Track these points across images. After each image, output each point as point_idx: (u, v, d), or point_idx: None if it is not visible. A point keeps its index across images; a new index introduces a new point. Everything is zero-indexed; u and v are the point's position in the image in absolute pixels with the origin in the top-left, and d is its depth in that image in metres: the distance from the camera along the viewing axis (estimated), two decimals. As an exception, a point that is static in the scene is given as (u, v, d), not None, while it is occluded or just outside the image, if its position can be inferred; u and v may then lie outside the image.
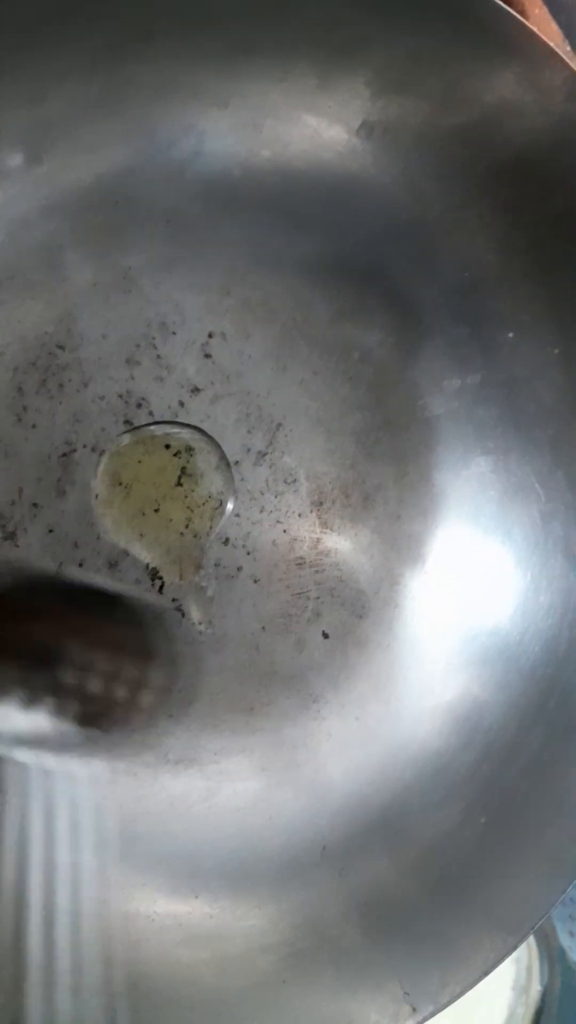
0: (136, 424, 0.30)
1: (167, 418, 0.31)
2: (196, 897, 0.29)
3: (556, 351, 0.32)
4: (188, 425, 0.31)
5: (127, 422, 0.30)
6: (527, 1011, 0.42)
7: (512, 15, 0.23)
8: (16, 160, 0.25)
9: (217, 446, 0.31)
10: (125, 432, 0.30)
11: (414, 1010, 0.28)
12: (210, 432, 0.31)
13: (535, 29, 0.23)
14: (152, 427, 0.30)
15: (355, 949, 0.29)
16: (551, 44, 0.24)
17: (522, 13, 0.40)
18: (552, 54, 0.24)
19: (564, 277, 0.30)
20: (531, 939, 0.41)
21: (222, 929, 0.29)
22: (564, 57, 0.24)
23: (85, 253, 0.28)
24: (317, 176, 0.29)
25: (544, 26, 0.41)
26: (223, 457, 0.32)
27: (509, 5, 0.41)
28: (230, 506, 0.32)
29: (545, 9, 0.41)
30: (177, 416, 0.31)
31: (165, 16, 0.23)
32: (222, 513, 0.32)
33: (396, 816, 0.32)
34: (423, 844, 0.31)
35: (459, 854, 0.31)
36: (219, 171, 0.28)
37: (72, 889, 0.28)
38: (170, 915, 0.29)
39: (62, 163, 0.26)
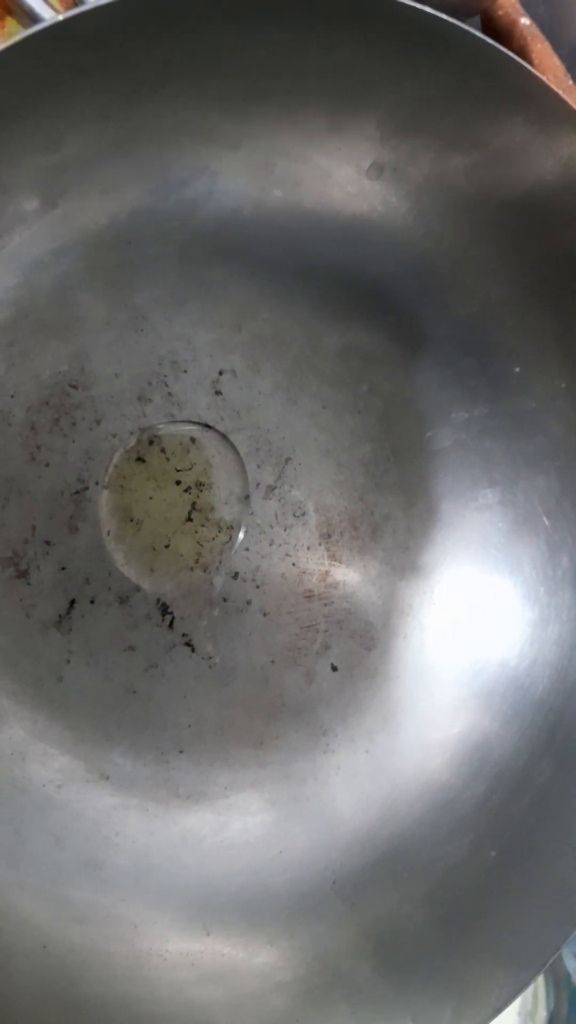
0: (147, 460, 0.30)
1: (178, 454, 0.31)
2: (208, 935, 0.29)
3: (563, 384, 0.32)
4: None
5: (139, 459, 0.30)
6: (534, 1036, 0.41)
7: (519, 62, 0.24)
8: (32, 204, 0.25)
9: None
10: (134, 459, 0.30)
11: (427, 1048, 0.28)
12: (219, 468, 0.32)
13: (542, 76, 0.24)
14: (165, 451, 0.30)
15: (367, 985, 0.29)
16: (558, 91, 0.24)
17: (524, 48, 0.41)
18: (559, 100, 0.24)
19: (571, 313, 0.31)
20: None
21: (235, 967, 0.29)
22: (570, 103, 0.24)
23: (98, 292, 0.28)
24: (328, 215, 0.29)
25: (546, 60, 0.41)
26: (233, 491, 0.32)
27: (511, 39, 0.42)
28: (240, 539, 0.32)
29: (547, 44, 0.42)
30: (188, 452, 0.31)
31: (179, 64, 0.24)
32: (232, 547, 0.32)
33: (406, 849, 0.32)
34: (434, 877, 0.31)
35: (470, 887, 0.31)
36: (231, 211, 0.29)
37: (82, 926, 0.28)
38: (183, 953, 0.28)
39: (76, 206, 0.26)
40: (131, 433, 0.30)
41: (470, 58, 0.24)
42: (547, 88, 0.24)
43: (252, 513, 0.32)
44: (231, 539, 0.32)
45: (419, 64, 0.24)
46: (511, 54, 0.23)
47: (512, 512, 0.34)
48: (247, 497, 0.32)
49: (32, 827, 0.28)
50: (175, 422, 0.30)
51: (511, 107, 0.25)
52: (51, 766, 0.29)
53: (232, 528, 0.32)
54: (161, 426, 0.29)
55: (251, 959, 0.29)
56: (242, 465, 0.32)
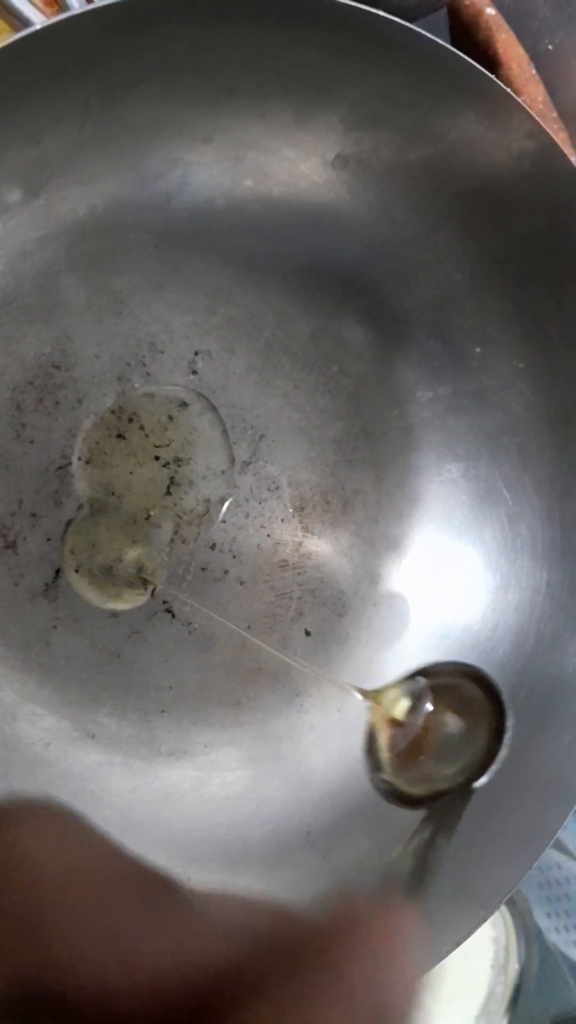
0: (127, 437, 0.32)
1: (157, 431, 0.32)
2: (189, 880, 0.31)
3: (521, 364, 0.34)
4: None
5: (119, 436, 0.32)
6: (506, 989, 0.43)
7: (470, 63, 0.25)
8: (15, 196, 0.27)
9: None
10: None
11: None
12: (196, 444, 0.33)
13: (493, 76, 0.25)
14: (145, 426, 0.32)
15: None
16: (508, 89, 0.26)
17: (489, 38, 0.42)
18: (508, 98, 0.26)
19: (527, 295, 0.33)
20: (509, 919, 0.43)
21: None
22: (520, 101, 0.26)
23: (80, 278, 0.30)
24: (296, 204, 0.31)
25: (511, 50, 0.43)
26: (210, 466, 0.33)
27: (476, 29, 0.43)
28: (219, 512, 0.34)
29: (512, 34, 0.43)
30: (166, 429, 0.33)
31: (154, 64, 0.25)
32: (209, 520, 0.34)
33: (375, 801, 0.34)
34: (401, 827, 0.33)
35: (435, 836, 0.33)
36: (204, 200, 0.30)
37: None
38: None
39: (57, 196, 0.28)
40: (111, 411, 0.31)
41: (425, 58, 0.26)
42: (497, 86, 0.26)
43: (228, 487, 0.34)
44: (208, 512, 0.34)
45: (378, 64, 0.26)
46: (462, 55, 0.25)
47: (475, 485, 0.36)
48: (223, 472, 0.34)
49: (22, 783, 0.30)
50: (154, 400, 0.32)
51: (464, 104, 0.27)
52: (40, 726, 0.31)
53: (209, 501, 0.34)
54: (140, 397, 0.31)
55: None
56: (219, 441, 0.34)
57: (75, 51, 0.23)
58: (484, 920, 0.30)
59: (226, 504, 0.34)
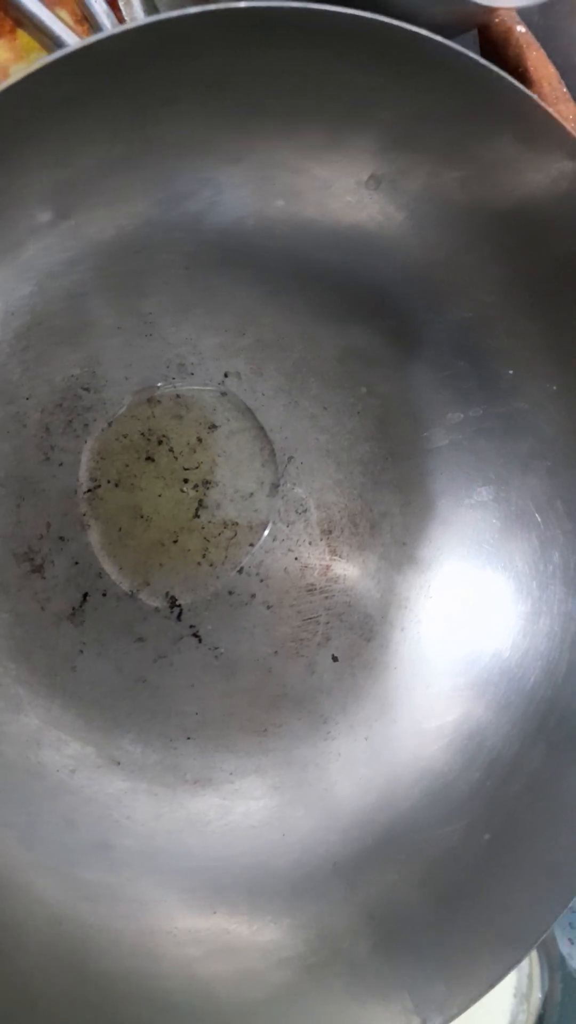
0: (156, 459, 0.32)
1: (186, 454, 0.32)
2: (214, 913, 0.31)
3: (553, 387, 0.33)
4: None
5: (148, 458, 0.31)
6: (529, 1018, 0.42)
7: (509, 80, 0.25)
8: (45, 217, 0.26)
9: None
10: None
11: (424, 1022, 0.29)
12: (224, 467, 0.33)
13: (538, 84, 0.25)
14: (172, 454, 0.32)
15: (365, 962, 0.30)
16: (547, 108, 0.25)
17: (519, 56, 0.42)
18: (547, 117, 0.26)
19: (561, 318, 0.32)
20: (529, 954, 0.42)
21: (239, 944, 0.30)
22: (559, 120, 0.25)
23: (108, 300, 0.29)
24: (327, 224, 0.31)
25: (542, 68, 0.42)
26: (238, 489, 0.33)
27: (507, 47, 0.43)
28: (246, 536, 0.34)
29: (543, 52, 0.43)
30: (195, 452, 0.32)
31: (186, 85, 0.25)
32: (237, 543, 0.33)
33: (403, 832, 0.33)
34: (430, 859, 0.32)
35: (464, 869, 0.32)
36: (234, 221, 0.30)
37: (93, 905, 0.29)
38: (189, 931, 0.30)
39: (87, 217, 0.28)
40: (140, 433, 0.31)
41: (462, 76, 0.25)
42: (536, 105, 0.25)
43: (256, 510, 0.34)
44: (236, 535, 0.33)
45: (414, 82, 0.26)
46: (502, 72, 0.24)
47: (505, 509, 0.35)
48: (252, 494, 0.33)
49: (46, 810, 0.30)
50: (183, 422, 0.32)
51: (501, 124, 0.26)
52: (64, 752, 0.31)
53: (237, 524, 0.33)
54: (169, 420, 0.31)
55: (255, 936, 0.30)
56: (247, 464, 0.33)
57: (106, 72, 0.23)
58: (518, 961, 0.29)
59: (267, 530, 0.33)
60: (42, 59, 0.20)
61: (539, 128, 0.26)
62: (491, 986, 0.29)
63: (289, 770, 0.34)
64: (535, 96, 0.25)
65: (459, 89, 0.26)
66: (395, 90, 0.26)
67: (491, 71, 0.25)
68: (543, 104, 0.25)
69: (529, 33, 0.42)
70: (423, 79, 0.26)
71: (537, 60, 0.42)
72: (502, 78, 0.25)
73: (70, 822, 0.30)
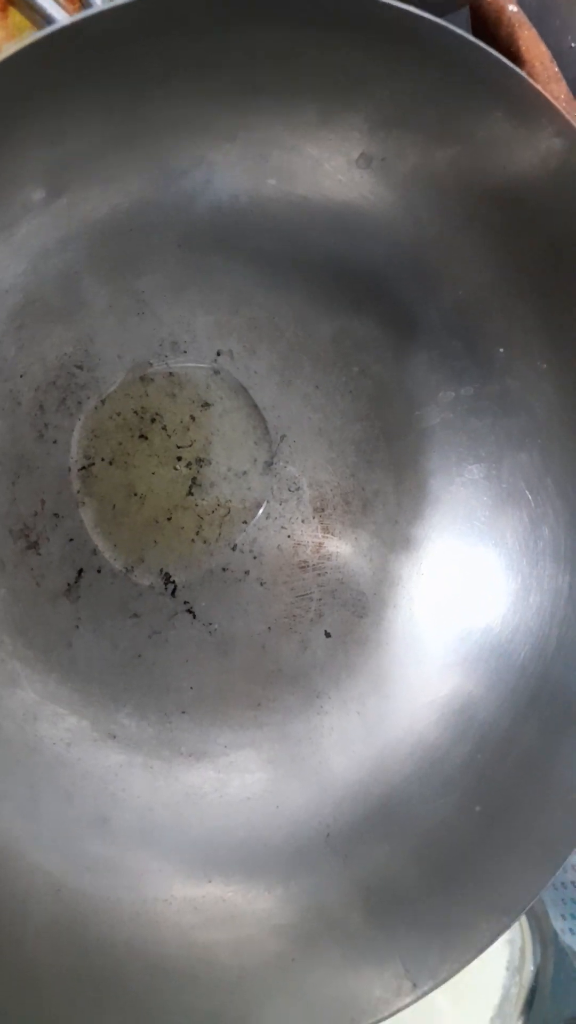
0: (150, 438, 0.32)
1: (179, 432, 0.32)
2: (210, 882, 0.31)
3: (544, 365, 0.34)
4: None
5: (142, 436, 0.32)
6: (521, 991, 0.42)
7: (501, 60, 0.25)
8: (38, 195, 0.26)
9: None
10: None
11: (415, 986, 0.30)
12: (218, 445, 0.33)
13: (529, 63, 0.25)
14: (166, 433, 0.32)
15: (359, 930, 0.31)
16: (537, 86, 0.25)
17: (511, 35, 0.42)
18: (537, 95, 0.26)
19: (552, 296, 0.32)
20: (525, 922, 0.43)
21: (235, 912, 0.31)
22: (549, 98, 0.26)
23: (102, 279, 0.30)
24: (319, 203, 0.31)
25: (533, 47, 0.42)
26: (231, 467, 0.33)
27: (499, 26, 0.43)
28: (239, 513, 0.34)
29: (534, 31, 0.43)
30: (188, 430, 0.32)
31: (180, 62, 0.25)
32: (231, 521, 0.34)
33: (396, 805, 0.34)
34: (422, 831, 0.33)
35: (456, 840, 0.33)
36: (227, 199, 0.30)
37: (93, 875, 0.30)
38: (186, 899, 0.30)
39: (80, 196, 0.28)
40: (134, 412, 0.31)
41: (453, 55, 0.25)
42: (526, 83, 0.25)
43: (250, 488, 0.34)
44: (229, 513, 0.34)
45: (405, 61, 0.26)
46: (492, 51, 0.25)
47: (496, 487, 0.36)
48: (245, 473, 0.34)
49: (44, 783, 0.30)
50: (176, 401, 0.32)
51: (492, 102, 0.26)
52: (61, 726, 0.31)
53: (230, 502, 0.34)
54: (163, 398, 0.31)
55: (250, 905, 0.31)
56: (241, 442, 0.33)
57: (99, 49, 0.23)
58: (508, 927, 0.30)
59: (260, 508, 0.34)
60: (32, 35, 0.20)
61: (529, 106, 0.26)
62: (481, 951, 0.30)
63: (283, 744, 0.34)
64: (525, 74, 0.25)
65: (450, 68, 0.26)
66: (386, 68, 0.26)
67: (481, 49, 0.25)
68: (533, 82, 0.26)
69: (521, 12, 0.42)
70: (414, 58, 0.26)
71: (529, 40, 0.42)
72: (492, 56, 0.25)
73: (68, 795, 0.31)
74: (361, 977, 0.30)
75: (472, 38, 0.25)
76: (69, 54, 0.23)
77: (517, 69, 0.25)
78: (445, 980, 0.30)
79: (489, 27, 0.41)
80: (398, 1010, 0.29)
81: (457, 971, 0.30)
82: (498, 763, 0.34)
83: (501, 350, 0.34)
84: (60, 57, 0.23)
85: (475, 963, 0.31)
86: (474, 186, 0.30)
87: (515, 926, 0.43)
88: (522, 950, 0.43)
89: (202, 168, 0.29)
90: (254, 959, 0.30)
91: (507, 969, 0.43)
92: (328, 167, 0.30)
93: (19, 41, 0.30)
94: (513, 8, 0.42)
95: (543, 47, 0.42)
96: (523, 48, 0.42)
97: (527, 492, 0.35)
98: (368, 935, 0.31)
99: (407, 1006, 0.29)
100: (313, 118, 0.28)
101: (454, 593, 0.36)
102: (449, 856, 0.32)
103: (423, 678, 0.36)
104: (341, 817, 0.34)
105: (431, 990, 0.30)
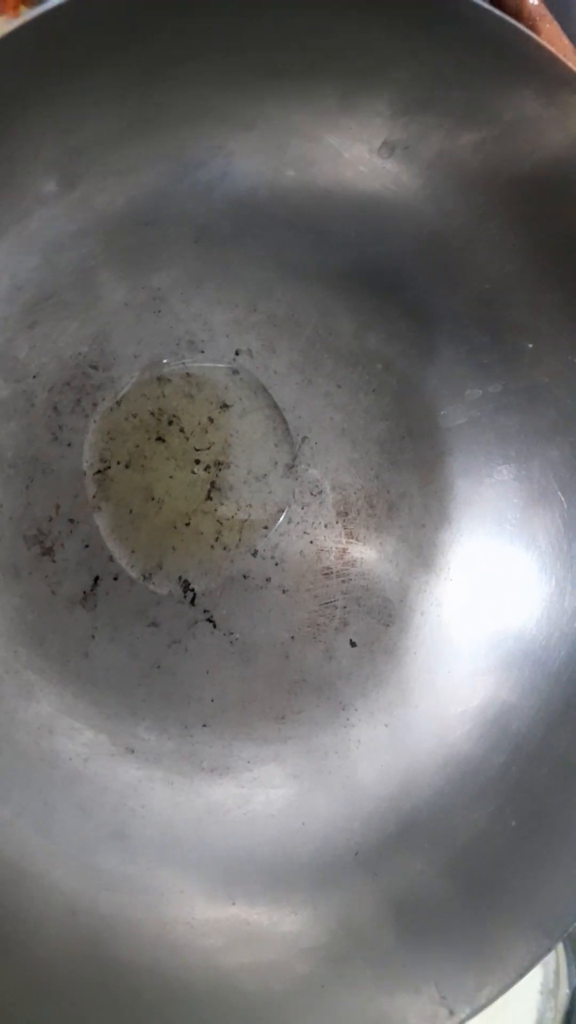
0: (167, 440, 0.31)
1: (197, 434, 0.31)
2: (233, 904, 0.30)
3: (575, 359, 0.32)
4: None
5: (159, 439, 0.31)
6: (556, 1014, 0.41)
7: (530, 36, 0.24)
8: (51, 186, 0.26)
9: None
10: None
11: (451, 1013, 0.28)
12: (237, 447, 0.32)
13: (553, 49, 0.24)
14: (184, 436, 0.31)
15: (391, 952, 0.30)
16: (568, 63, 0.24)
17: (532, 28, 0.41)
18: (568, 71, 0.25)
19: (583, 287, 0.31)
20: (559, 944, 0.41)
21: (260, 935, 0.29)
22: (582, 75, 0.25)
23: (117, 273, 0.29)
24: (340, 194, 0.30)
25: (555, 41, 0.41)
26: (251, 470, 0.32)
27: (519, 19, 0.42)
28: (260, 518, 0.33)
29: (556, 24, 0.42)
30: (207, 432, 0.31)
31: (194, 44, 0.24)
32: (251, 526, 0.32)
33: (428, 820, 0.32)
34: (455, 847, 0.32)
35: (491, 856, 0.31)
36: (246, 191, 0.29)
37: (111, 895, 0.29)
38: (208, 922, 0.29)
39: (94, 187, 0.27)
40: (151, 413, 0.30)
41: (479, 32, 0.24)
42: (556, 59, 0.24)
43: (271, 492, 0.33)
44: (250, 517, 0.33)
45: (429, 39, 0.25)
46: (520, 25, 0.23)
47: (527, 487, 0.35)
48: (266, 476, 0.33)
49: (60, 799, 0.29)
50: (194, 402, 0.31)
51: (520, 80, 0.25)
52: (78, 740, 0.30)
53: (251, 507, 0.32)
54: (180, 399, 0.30)
55: (276, 927, 0.30)
56: (261, 444, 0.32)
57: (111, 30, 0.22)
58: (549, 949, 0.28)
59: (282, 512, 0.32)
60: (36, 9, 0.19)
61: (561, 83, 0.25)
62: (521, 975, 0.28)
63: (309, 758, 0.33)
64: (555, 50, 0.24)
65: (476, 45, 0.25)
66: (410, 49, 0.25)
67: (509, 24, 0.24)
68: (564, 59, 0.24)
69: (542, 5, 0.41)
70: (439, 36, 0.25)
71: (551, 32, 0.41)
72: (520, 31, 0.24)
73: (85, 811, 0.29)
74: (395, 1003, 0.28)
75: (498, 13, 0.24)
76: (77, 32, 0.22)
77: (549, 47, 0.24)
78: (483, 1007, 0.28)
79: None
80: (434, 1038, 0.28)
81: (496, 996, 0.28)
82: (534, 774, 0.32)
83: (529, 344, 0.33)
84: (68, 38, 0.22)
85: (508, 985, 0.29)
86: (501, 172, 0.29)
87: (550, 947, 0.41)
88: (556, 972, 0.42)
89: (220, 159, 0.28)
90: (281, 984, 0.28)
91: (541, 992, 0.42)
92: (349, 156, 0.29)
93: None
94: (534, 1, 0.41)
95: (566, 40, 0.41)
96: (544, 41, 0.41)
97: (559, 492, 0.34)
98: (401, 957, 0.29)
99: (444, 1034, 0.28)
100: (334, 104, 0.27)
101: (484, 598, 0.35)
102: (485, 872, 0.31)
103: (453, 687, 0.34)
104: (370, 833, 0.32)
105: (469, 1018, 0.28)
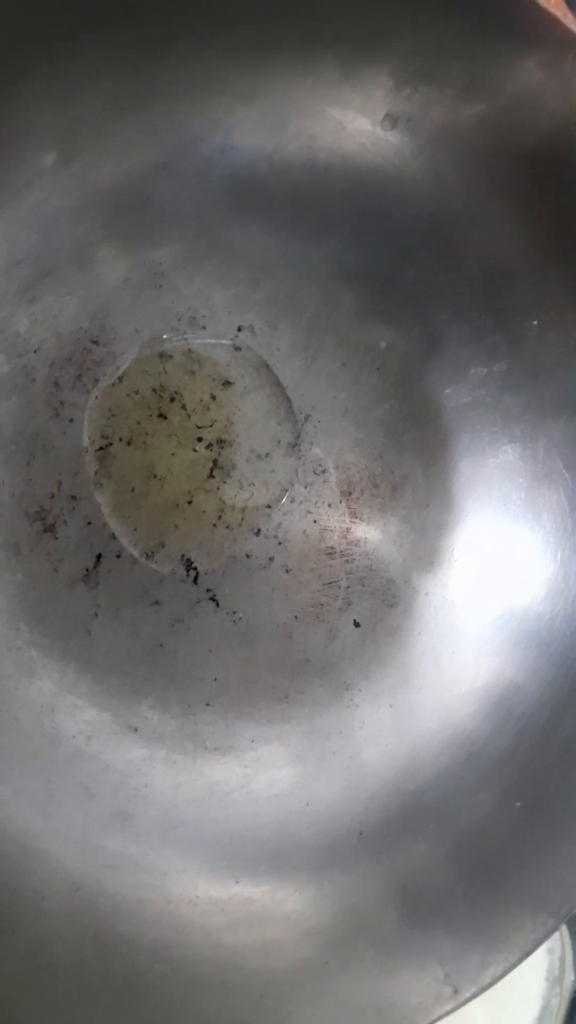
0: (169, 417, 0.31)
1: (199, 411, 0.31)
2: (236, 883, 0.30)
3: (581, 336, 0.32)
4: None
5: (161, 416, 0.30)
6: (561, 1001, 0.41)
7: (534, 2, 0.24)
8: (49, 159, 0.25)
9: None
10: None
11: (456, 991, 0.28)
12: (240, 425, 0.32)
13: (558, 14, 0.24)
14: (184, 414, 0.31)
15: (395, 932, 0.29)
16: (573, 29, 0.24)
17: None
18: (573, 37, 0.24)
19: (588, 263, 0.31)
20: (564, 930, 0.41)
21: (264, 914, 0.29)
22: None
23: (117, 249, 0.28)
24: (342, 168, 0.30)
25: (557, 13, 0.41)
26: (254, 449, 0.32)
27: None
28: (262, 497, 0.33)
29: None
30: (209, 409, 0.31)
31: (192, 12, 0.24)
32: (254, 505, 0.32)
33: (432, 802, 0.32)
34: (460, 829, 0.31)
35: (496, 838, 0.31)
36: (246, 166, 0.29)
37: (114, 873, 0.28)
38: (212, 900, 0.29)
39: (93, 161, 0.27)
40: (152, 390, 0.30)
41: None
42: (562, 26, 0.24)
43: (273, 471, 0.33)
44: (253, 496, 0.32)
45: (432, 7, 0.24)
46: (523, -8, 0.23)
47: (532, 467, 0.34)
48: (268, 454, 0.32)
49: (63, 778, 0.29)
50: (196, 378, 0.31)
51: (524, 49, 0.25)
52: (80, 718, 0.30)
53: (253, 485, 0.32)
54: (182, 376, 0.30)
55: (279, 907, 0.29)
56: (263, 422, 0.32)
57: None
58: (554, 928, 0.28)
59: (284, 491, 0.32)
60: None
61: (564, 51, 0.25)
62: (526, 955, 0.28)
63: (312, 738, 0.33)
64: (560, 14, 0.24)
65: (479, 13, 0.25)
66: (412, 17, 0.25)
67: (512, -9, 0.24)
68: (569, 24, 0.24)
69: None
70: (441, 4, 0.24)
71: (555, 6, 0.41)
72: (524, -2, 0.24)
73: (88, 790, 0.29)
74: (398, 982, 0.28)
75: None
76: (72, 4, 0.22)
77: (551, 10, 0.24)
78: (488, 986, 0.28)
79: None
80: (438, 1018, 0.28)
81: (501, 976, 0.28)
82: (538, 756, 0.32)
83: (534, 322, 0.33)
84: (63, 4, 0.22)
85: (513, 973, 0.29)
86: (504, 145, 0.28)
87: (555, 935, 0.41)
88: (562, 960, 0.42)
89: (219, 133, 0.28)
90: (284, 963, 0.28)
91: (546, 980, 0.41)
92: (351, 129, 0.29)
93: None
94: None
95: (570, 14, 0.41)
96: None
97: (564, 471, 0.34)
98: (405, 937, 0.29)
99: (448, 1013, 0.28)
100: (335, 76, 0.27)
101: (489, 579, 0.35)
102: (489, 854, 0.31)
103: (458, 668, 0.34)
104: (374, 814, 0.32)
105: (473, 997, 0.28)
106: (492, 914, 0.30)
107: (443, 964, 0.29)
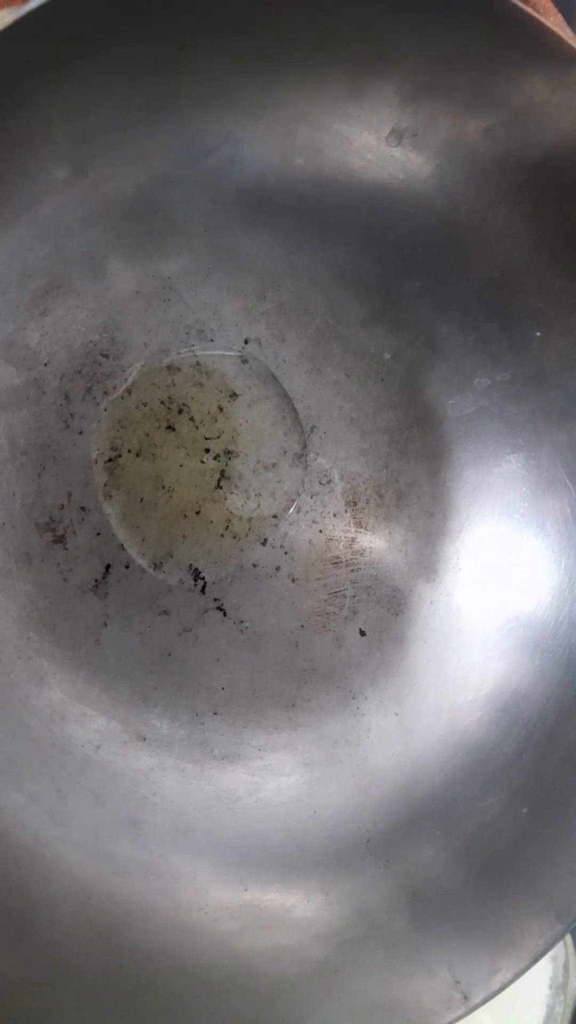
0: (177, 428, 0.31)
1: (207, 423, 0.31)
2: (246, 890, 0.30)
3: (584, 346, 0.32)
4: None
5: (169, 427, 0.31)
6: (566, 1009, 0.41)
7: (537, 18, 0.24)
8: (62, 172, 0.26)
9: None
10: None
11: (465, 997, 0.28)
12: (247, 436, 0.32)
13: (561, 32, 0.24)
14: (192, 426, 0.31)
15: (404, 938, 0.30)
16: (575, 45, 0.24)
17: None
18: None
19: (591, 273, 0.31)
20: (569, 939, 0.41)
21: (273, 920, 0.29)
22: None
23: (127, 262, 0.29)
24: (348, 182, 0.30)
25: (560, 31, 0.41)
26: (260, 459, 0.32)
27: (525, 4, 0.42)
28: (269, 507, 0.33)
29: (560, 15, 0.42)
30: (216, 420, 0.31)
31: (203, 27, 0.24)
32: (261, 515, 0.33)
33: (439, 807, 0.32)
34: (467, 834, 0.32)
35: (504, 843, 0.31)
36: (254, 179, 0.29)
37: (125, 880, 0.29)
38: (222, 907, 0.29)
39: (104, 174, 0.27)
40: (161, 402, 0.30)
41: (486, 16, 0.24)
42: (564, 43, 0.24)
43: (280, 481, 0.33)
44: (259, 506, 0.33)
45: (438, 23, 0.25)
46: (528, 9, 0.24)
47: (536, 476, 0.35)
48: (275, 465, 0.33)
49: (73, 786, 0.29)
50: (204, 390, 0.31)
51: (528, 64, 0.25)
52: (89, 727, 0.30)
53: (260, 496, 0.33)
54: (190, 387, 0.30)
55: (289, 913, 0.30)
56: (270, 433, 0.32)
57: (120, 13, 0.22)
58: (563, 933, 0.28)
59: (291, 501, 0.32)
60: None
61: (569, 66, 0.25)
62: (535, 960, 0.28)
63: (320, 746, 0.33)
64: (563, 33, 0.24)
65: (484, 29, 0.25)
66: (418, 33, 0.25)
67: (517, 7, 0.24)
68: (569, 39, 0.25)
69: (547, -4, 0.42)
70: (446, 19, 0.25)
71: (555, 25, 0.41)
72: (527, 14, 0.24)
73: (98, 798, 0.29)
74: (408, 987, 0.28)
75: (507, -4, 0.24)
76: (85, 16, 0.22)
77: (555, 27, 0.24)
78: (497, 992, 0.28)
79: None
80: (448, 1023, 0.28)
81: (510, 981, 0.28)
82: (545, 761, 0.32)
83: (538, 332, 0.33)
84: (76, 19, 0.22)
85: (517, 981, 0.29)
86: (509, 158, 0.29)
87: (559, 942, 0.41)
88: (566, 967, 0.42)
89: (228, 146, 0.28)
90: (295, 968, 0.28)
91: (550, 987, 0.42)
92: (357, 145, 0.29)
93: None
94: (538, -9, 0.41)
95: (570, 31, 0.41)
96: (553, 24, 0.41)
97: (567, 480, 0.34)
98: (414, 943, 0.29)
99: (458, 1019, 0.28)
100: (342, 92, 0.27)
101: (493, 587, 0.35)
102: (497, 859, 0.31)
103: (464, 675, 0.34)
104: (382, 821, 0.32)
105: (484, 1002, 0.28)
106: (501, 919, 0.30)
107: (452, 969, 0.29)
